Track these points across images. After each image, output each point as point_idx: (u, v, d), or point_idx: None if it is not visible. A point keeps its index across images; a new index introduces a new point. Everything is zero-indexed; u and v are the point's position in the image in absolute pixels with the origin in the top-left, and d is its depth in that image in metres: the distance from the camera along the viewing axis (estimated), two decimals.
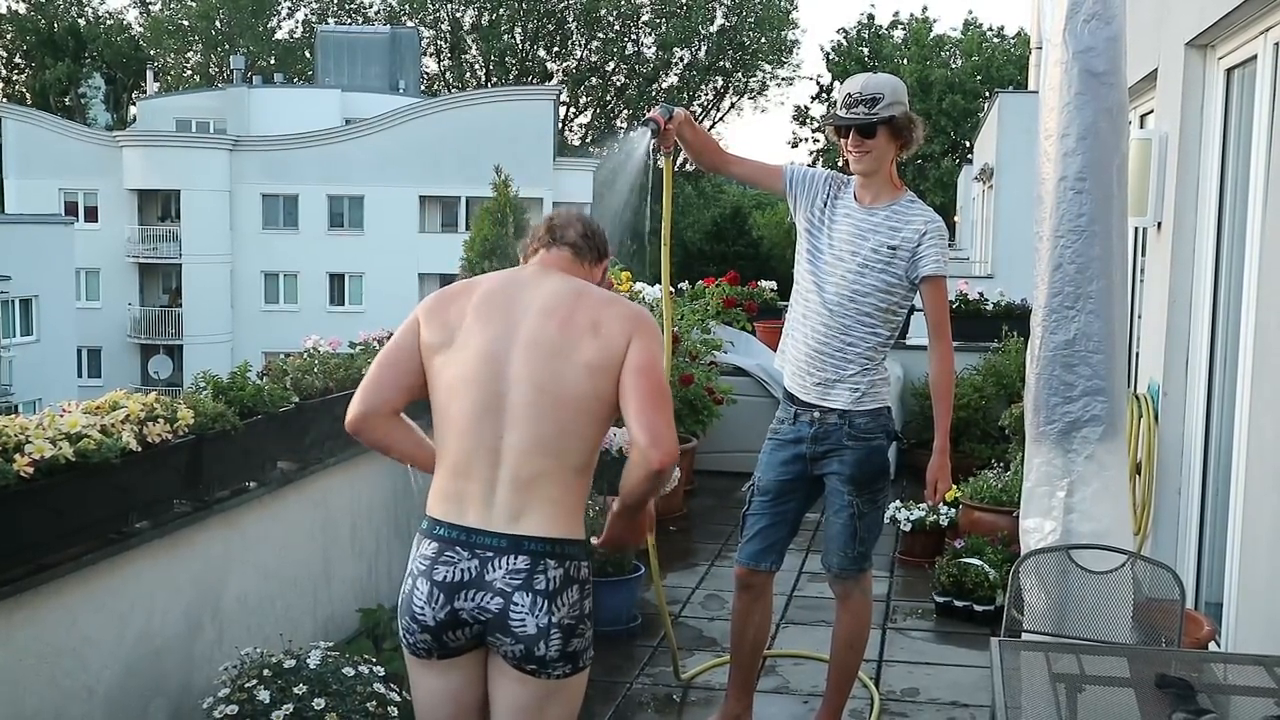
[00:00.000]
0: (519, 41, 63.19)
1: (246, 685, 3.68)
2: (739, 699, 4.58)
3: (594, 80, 63.77)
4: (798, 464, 4.31)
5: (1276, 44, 4.41)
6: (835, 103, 4.21)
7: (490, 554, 2.72)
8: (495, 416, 2.76)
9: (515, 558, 2.71)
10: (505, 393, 2.76)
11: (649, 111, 4.16)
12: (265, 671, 3.73)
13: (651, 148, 4.18)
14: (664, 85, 62.30)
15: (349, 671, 3.79)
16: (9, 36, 62.38)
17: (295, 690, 3.66)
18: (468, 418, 2.77)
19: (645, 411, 2.72)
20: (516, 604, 2.70)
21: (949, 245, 4.18)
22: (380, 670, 3.90)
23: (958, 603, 6.10)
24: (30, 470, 3.10)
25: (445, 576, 2.74)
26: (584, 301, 2.85)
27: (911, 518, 7.05)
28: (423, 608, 2.77)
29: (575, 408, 2.76)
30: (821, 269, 4.21)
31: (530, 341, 2.79)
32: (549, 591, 2.71)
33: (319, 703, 3.63)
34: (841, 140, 4.15)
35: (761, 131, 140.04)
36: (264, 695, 3.63)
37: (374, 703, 3.73)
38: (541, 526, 2.73)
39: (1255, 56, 4.71)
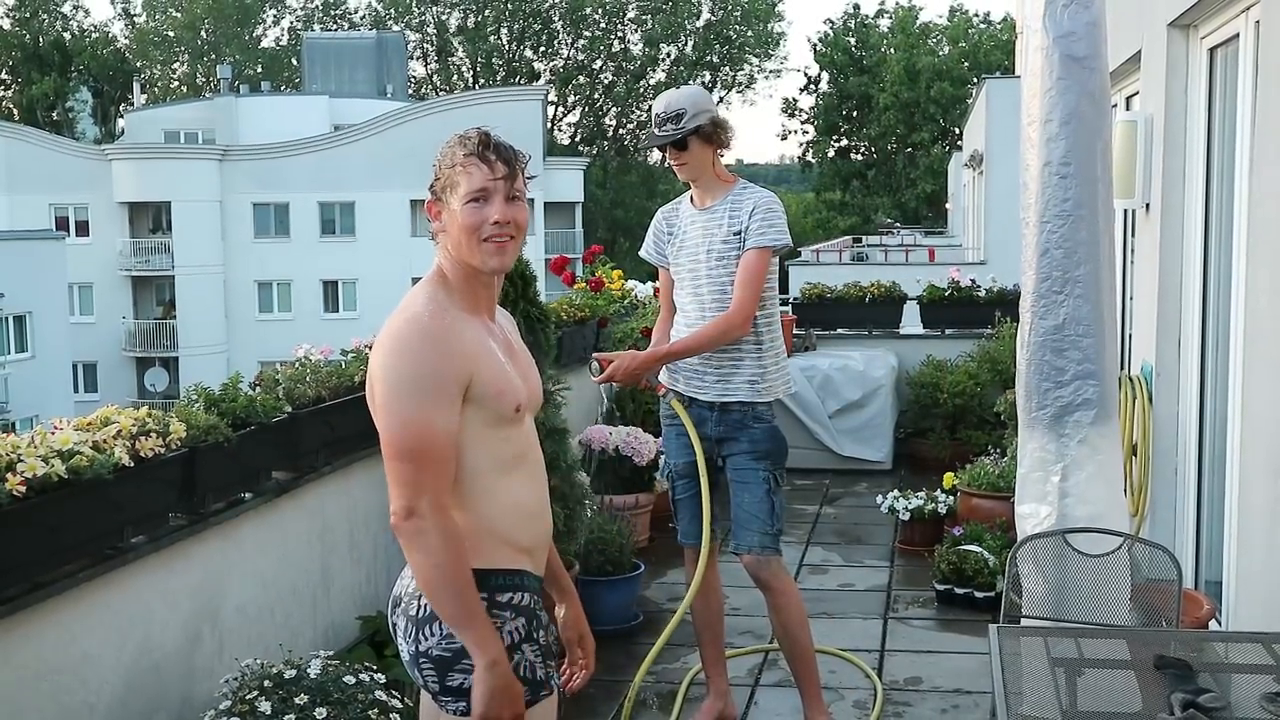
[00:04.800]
0: (505, 42, 63.20)
1: (248, 697, 3.67)
2: (717, 677, 4.69)
3: (581, 79, 63.76)
4: (704, 444, 4.43)
5: (1258, 22, 4.41)
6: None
7: (409, 575, 2.64)
8: None
9: (410, 581, 2.62)
10: None
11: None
12: (266, 682, 3.72)
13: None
14: (651, 82, 62.29)
15: (350, 680, 3.78)
16: None
17: (297, 700, 3.65)
18: None
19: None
20: (395, 626, 2.64)
21: (781, 221, 4.35)
22: (381, 678, 3.89)
23: (958, 590, 6.10)
24: (23, 489, 3.09)
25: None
26: None
27: (910, 507, 7.05)
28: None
29: None
30: (689, 277, 4.44)
31: None
32: (418, 618, 2.57)
33: (321, 712, 3.62)
34: (662, 154, 4.43)
35: (750, 125, 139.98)
36: (265, 706, 3.62)
37: (376, 710, 3.72)
38: None
39: (1237, 35, 4.72)
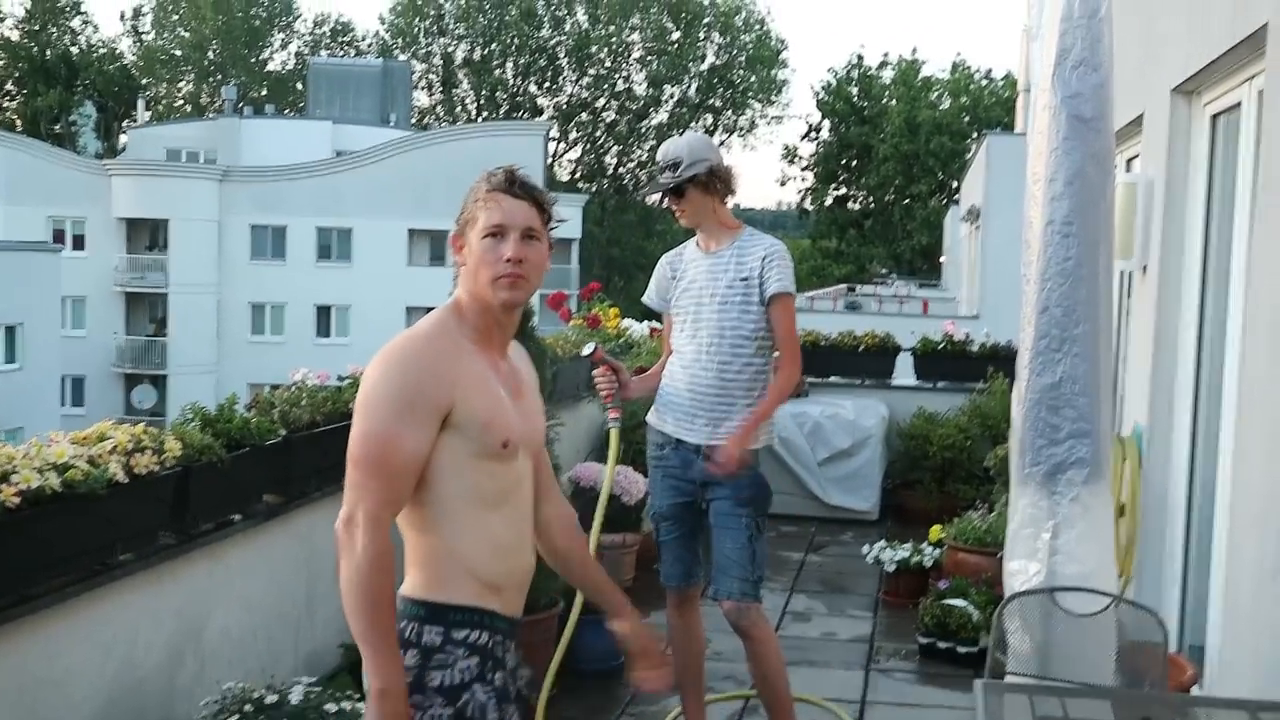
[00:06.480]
0: (510, 76, 63.53)
1: None
2: (696, 715, 4.67)
3: (584, 116, 64.08)
4: (689, 486, 4.45)
5: (1261, 91, 4.46)
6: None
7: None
8: None
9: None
10: None
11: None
12: (247, 707, 3.71)
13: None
14: (654, 122, 62.66)
15: (331, 708, 3.76)
16: (1, 63, 62.47)
17: None
18: None
19: None
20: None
21: (791, 267, 4.48)
22: (362, 707, 3.87)
23: (941, 644, 6.08)
24: (17, 500, 3.09)
25: None
26: None
27: (895, 558, 7.04)
28: None
29: None
30: (689, 319, 4.45)
31: None
32: (402, 639, 2.57)
33: None
34: (662, 199, 4.52)
35: (750, 170, 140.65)
36: None
37: None
38: (404, 585, 2.63)
39: (1240, 103, 4.77)
